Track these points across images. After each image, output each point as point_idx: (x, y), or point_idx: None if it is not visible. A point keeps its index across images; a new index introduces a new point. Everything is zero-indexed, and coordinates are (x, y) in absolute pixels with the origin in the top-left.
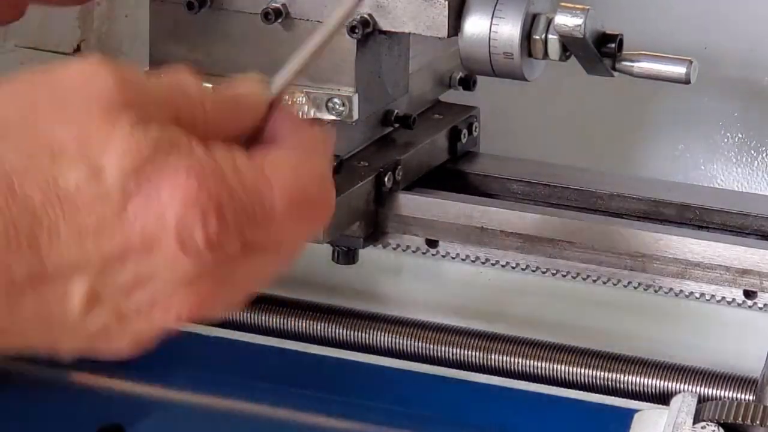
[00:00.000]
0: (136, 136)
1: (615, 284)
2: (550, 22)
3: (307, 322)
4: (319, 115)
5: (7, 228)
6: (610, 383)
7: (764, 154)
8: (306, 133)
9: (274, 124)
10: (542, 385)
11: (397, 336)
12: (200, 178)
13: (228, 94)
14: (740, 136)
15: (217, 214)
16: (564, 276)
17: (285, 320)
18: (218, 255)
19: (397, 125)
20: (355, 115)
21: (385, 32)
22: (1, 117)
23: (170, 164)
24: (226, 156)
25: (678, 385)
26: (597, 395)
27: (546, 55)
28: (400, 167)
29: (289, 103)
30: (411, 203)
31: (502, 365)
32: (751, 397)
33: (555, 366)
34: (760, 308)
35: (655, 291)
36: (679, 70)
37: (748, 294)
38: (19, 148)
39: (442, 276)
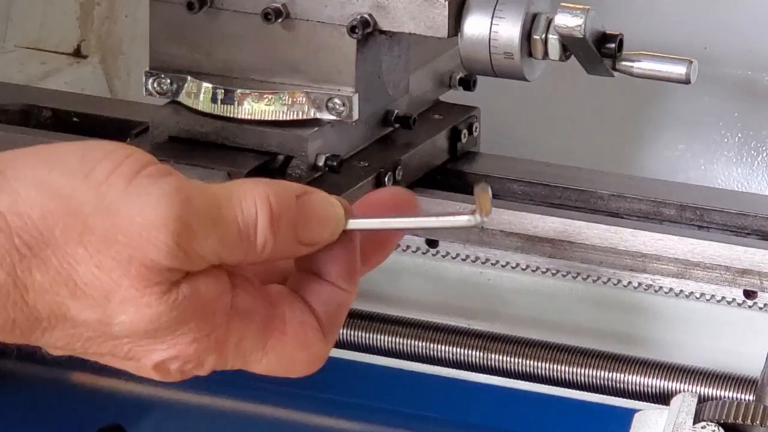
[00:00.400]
0: (159, 309)
1: (615, 284)
2: (550, 22)
3: None
4: (319, 115)
5: (6, 322)
6: (609, 383)
7: (764, 154)
8: (338, 301)
9: (329, 255)
10: (542, 385)
11: (397, 336)
12: (200, 348)
13: (301, 228)
14: (740, 136)
15: (197, 365)
16: (564, 276)
17: None
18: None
19: (397, 125)
20: (355, 115)
21: (385, 32)
22: (52, 221)
23: (180, 332)
24: (238, 337)
25: (678, 385)
26: (597, 395)
27: (546, 55)
28: (400, 167)
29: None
30: None
31: (502, 365)
32: (751, 398)
33: (555, 366)
34: (760, 308)
35: (656, 291)
36: (679, 70)
37: (748, 294)
38: (48, 267)
39: (442, 276)
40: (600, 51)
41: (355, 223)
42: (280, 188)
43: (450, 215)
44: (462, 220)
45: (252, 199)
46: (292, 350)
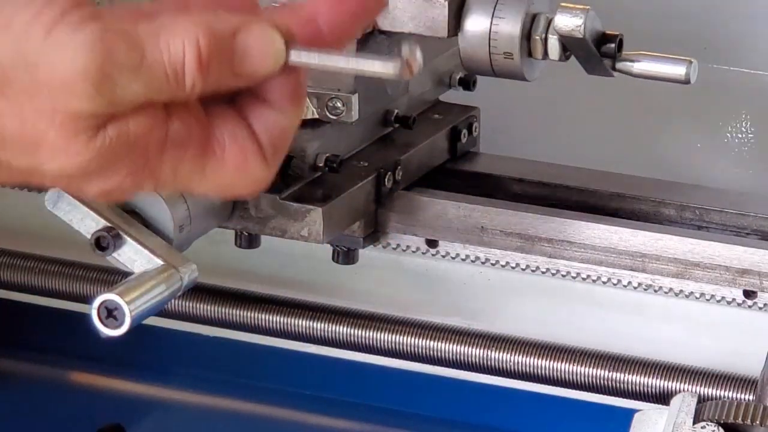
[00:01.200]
0: (88, 155)
1: (615, 284)
2: (549, 22)
3: (307, 322)
4: (319, 115)
5: None
6: (609, 383)
7: (765, 154)
8: (282, 126)
9: (273, 82)
10: (542, 385)
11: (397, 336)
12: (135, 179)
13: (236, 58)
14: (740, 136)
15: (136, 190)
16: (564, 276)
17: (285, 320)
18: None
19: (397, 125)
20: (355, 115)
21: (385, 32)
22: None
23: (113, 169)
24: (173, 165)
25: (678, 384)
26: (597, 395)
27: (546, 55)
28: (400, 167)
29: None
30: (411, 203)
31: (502, 365)
32: (751, 397)
33: (555, 366)
34: (760, 308)
35: (655, 291)
36: (679, 70)
37: (748, 294)
38: None
39: (442, 276)
40: (600, 51)
41: (296, 56)
42: (215, 24)
43: (384, 61)
44: (390, 69)
45: (180, 40)
46: (232, 175)
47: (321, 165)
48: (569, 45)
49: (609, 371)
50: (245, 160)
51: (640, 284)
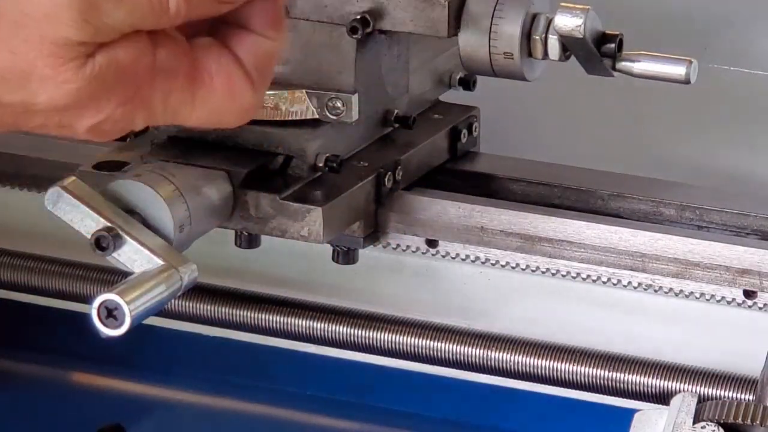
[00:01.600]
0: (78, 83)
1: (615, 284)
2: (550, 22)
3: (307, 322)
4: (319, 115)
5: None
6: (609, 383)
7: (765, 154)
8: (266, 51)
9: (254, 7)
10: (542, 385)
11: (397, 336)
12: (126, 109)
13: None
14: (741, 135)
15: (127, 123)
16: (564, 276)
17: (285, 320)
18: None
19: (397, 125)
20: (355, 116)
21: (385, 32)
22: None
23: (104, 98)
24: (164, 94)
25: (678, 384)
26: (597, 395)
27: (546, 55)
28: (400, 167)
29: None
30: (411, 203)
31: (502, 365)
32: (751, 397)
33: (555, 366)
34: (760, 308)
35: (655, 291)
36: (679, 70)
37: (748, 294)
38: None
39: (442, 276)
40: (600, 51)
41: None
42: None
43: None
44: None
45: None
46: (221, 102)
47: (321, 165)
48: (569, 45)
49: (609, 371)
50: (233, 85)
51: (640, 284)
